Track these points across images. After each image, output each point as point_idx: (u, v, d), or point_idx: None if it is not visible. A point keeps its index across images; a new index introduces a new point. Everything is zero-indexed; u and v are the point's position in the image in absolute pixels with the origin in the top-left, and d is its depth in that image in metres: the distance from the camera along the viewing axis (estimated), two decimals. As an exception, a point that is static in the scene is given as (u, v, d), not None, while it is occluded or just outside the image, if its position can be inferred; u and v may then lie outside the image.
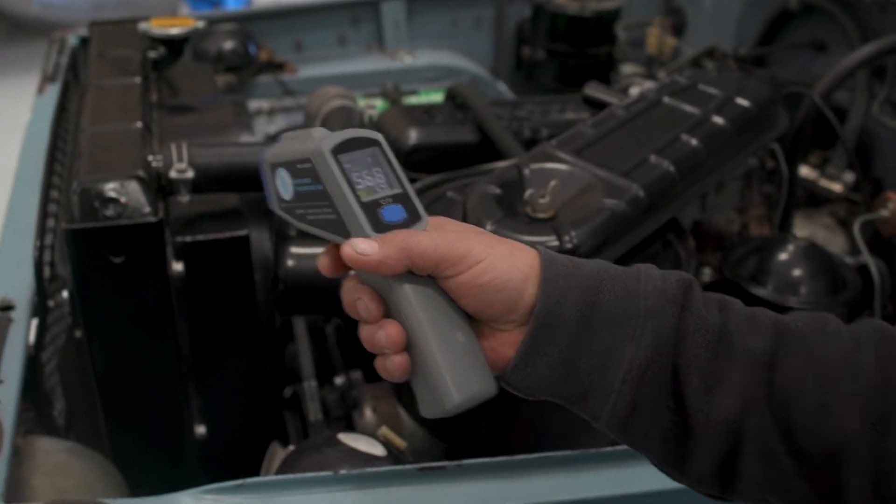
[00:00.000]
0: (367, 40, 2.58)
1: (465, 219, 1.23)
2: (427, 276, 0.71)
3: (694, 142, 1.33)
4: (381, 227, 0.70)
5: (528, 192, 1.21)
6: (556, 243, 1.16)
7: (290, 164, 0.73)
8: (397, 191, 0.72)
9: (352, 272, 0.73)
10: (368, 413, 1.51)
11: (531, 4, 2.56)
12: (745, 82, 1.48)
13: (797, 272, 1.42)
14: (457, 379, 0.70)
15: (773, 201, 1.72)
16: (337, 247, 0.72)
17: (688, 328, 0.69)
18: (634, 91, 1.50)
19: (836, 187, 1.82)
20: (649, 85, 1.51)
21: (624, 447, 1.04)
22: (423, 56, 2.54)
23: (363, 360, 1.59)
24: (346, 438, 1.10)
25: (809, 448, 0.66)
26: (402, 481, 1.00)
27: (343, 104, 1.52)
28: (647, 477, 1.04)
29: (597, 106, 1.58)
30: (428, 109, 1.70)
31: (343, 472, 0.99)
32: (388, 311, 0.71)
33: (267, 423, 1.41)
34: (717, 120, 1.37)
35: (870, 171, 2.02)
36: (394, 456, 1.10)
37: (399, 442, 1.14)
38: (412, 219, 0.72)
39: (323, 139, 0.71)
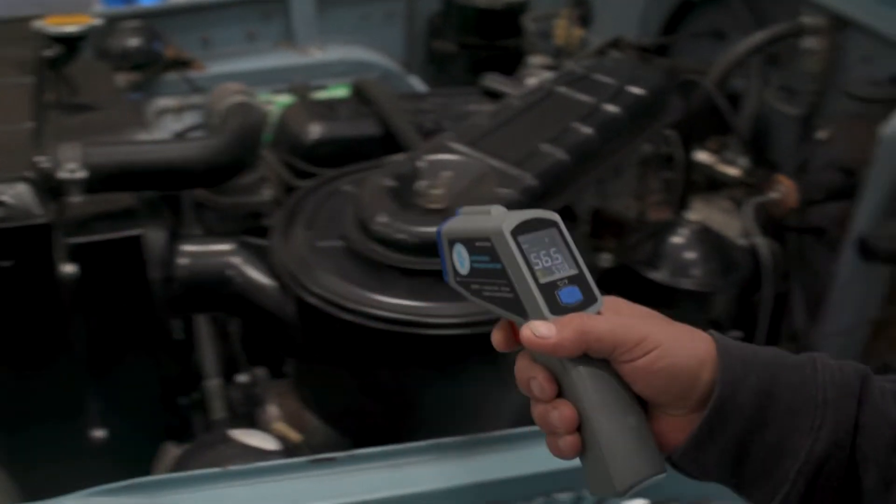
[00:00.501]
0: (277, 36, 2.56)
1: (358, 211, 1.24)
2: (602, 360, 0.72)
3: (587, 130, 1.35)
4: (557, 309, 0.72)
5: (422, 184, 1.22)
6: (447, 233, 1.17)
7: (469, 241, 0.75)
8: (574, 272, 0.73)
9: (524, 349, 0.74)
10: (273, 410, 1.50)
11: (442, -2, 2.58)
12: (638, 71, 1.51)
13: (690, 255, 1.45)
14: (627, 463, 0.71)
15: (673, 187, 1.76)
16: (510, 323, 0.73)
17: (867, 422, 0.68)
18: (531, 82, 1.52)
19: (734, 172, 1.86)
20: (546, 75, 1.54)
21: (520, 429, 1.07)
22: (333, 51, 2.53)
23: (267, 357, 1.59)
24: (239, 435, 1.10)
25: None
26: (293, 474, 1.00)
27: (242, 100, 1.51)
28: (539, 458, 1.07)
29: (496, 97, 1.60)
30: (331, 104, 1.71)
31: (232, 467, 0.99)
32: (562, 391, 0.72)
33: (169, 424, 1.40)
34: (610, 108, 1.40)
35: (766, 154, 2.08)
36: (288, 450, 1.11)
37: (294, 436, 1.15)
38: (588, 301, 0.73)
39: (504, 219, 0.72)
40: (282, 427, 1.14)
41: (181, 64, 2.34)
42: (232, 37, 2.49)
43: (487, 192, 1.23)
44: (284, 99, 1.89)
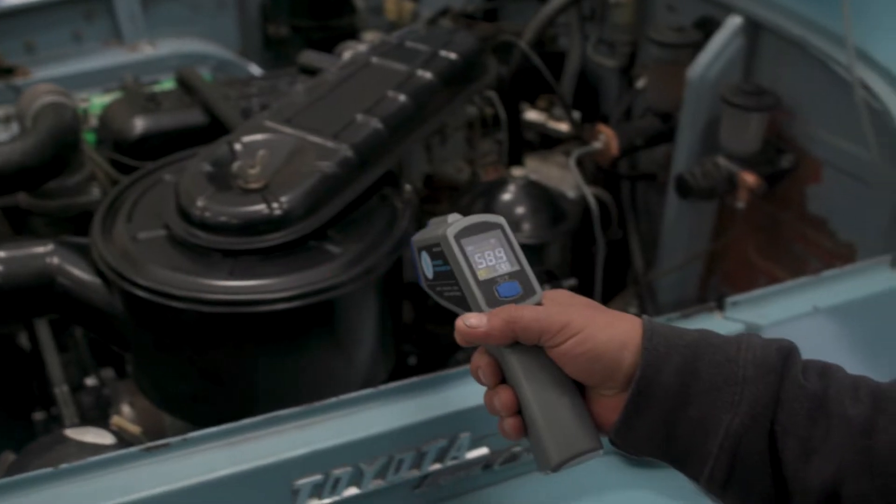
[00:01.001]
0: (105, 35, 2.49)
1: (178, 199, 1.23)
2: (536, 347, 0.78)
3: (401, 97, 1.38)
4: (495, 302, 0.80)
5: (237, 164, 1.22)
6: (266, 211, 1.18)
7: (429, 248, 0.85)
8: (515, 269, 0.81)
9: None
10: (126, 409, 1.49)
11: (272, -19, 2.56)
12: (450, 36, 1.54)
13: (520, 210, 1.50)
14: (562, 440, 0.78)
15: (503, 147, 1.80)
16: None
17: (786, 395, 0.72)
18: (347, 56, 1.54)
19: (564, 127, 1.93)
20: (361, 48, 1.55)
21: (349, 396, 1.09)
22: (165, 45, 2.48)
23: (114, 358, 1.57)
24: (74, 433, 1.09)
25: None
26: (126, 465, 1.00)
27: (54, 100, 1.48)
28: (377, 420, 1.09)
29: (314, 74, 1.61)
30: (153, 96, 1.68)
31: (64, 465, 0.98)
32: (504, 378, 0.80)
33: (21, 440, 1.37)
34: (424, 74, 1.43)
35: (598, 108, 2.15)
36: (125, 443, 1.10)
37: (133, 428, 1.14)
38: (527, 294, 0.81)
39: (450, 225, 0.82)
40: (119, 421, 1.13)
41: (5, 71, 2.25)
42: (57, 39, 2.41)
43: (305, 167, 1.24)
44: (104, 97, 1.85)
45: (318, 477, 1.05)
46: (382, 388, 1.11)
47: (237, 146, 1.29)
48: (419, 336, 1.75)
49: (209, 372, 1.22)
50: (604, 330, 0.77)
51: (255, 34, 2.71)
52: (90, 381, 1.52)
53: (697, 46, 1.64)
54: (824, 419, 0.71)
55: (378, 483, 1.10)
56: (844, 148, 1.51)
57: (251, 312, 1.15)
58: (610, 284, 1.81)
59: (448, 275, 0.84)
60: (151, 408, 1.43)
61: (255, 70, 2.52)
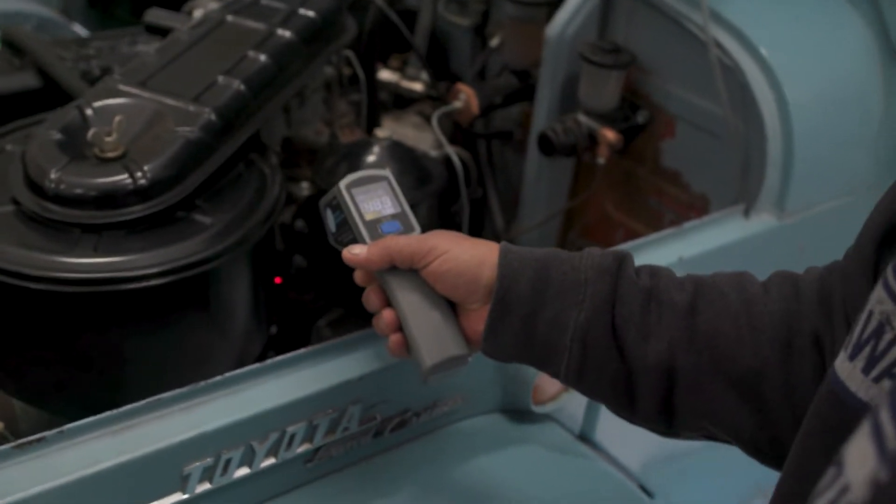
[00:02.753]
0: None
1: (26, 170, 1.13)
2: (411, 271, 0.92)
3: (262, 58, 1.31)
4: (378, 237, 0.95)
5: (92, 132, 1.13)
6: (129, 181, 1.10)
7: (330, 203, 0.99)
8: (397, 211, 0.98)
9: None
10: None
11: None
12: (306, -7, 1.48)
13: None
14: (433, 346, 0.91)
15: (361, 108, 1.76)
16: None
17: (622, 291, 0.84)
18: (198, 14, 1.45)
19: (417, 87, 1.91)
20: (213, 5, 1.47)
21: (235, 373, 1.05)
22: (-23, 3, 2.28)
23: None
24: (-74, 434, 0.98)
25: (732, 375, 0.81)
26: (-3, 463, 0.92)
27: None
28: (264, 397, 1.05)
29: (164, 33, 1.51)
30: (-24, 59, 1.53)
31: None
32: (388, 302, 0.94)
33: None
34: (283, 33, 1.36)
35: (448, 67, 2.14)
36: (-12, 439, 1.01)
37: (-6, 423, 1.05)
38: (406, 231, 0.97)
39: (344, 179, 0.97)
40: (-24, 418, 1.04)
41: None
42: None
43: (165, 132, 1.16)
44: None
45: (208, 460, 1.00)
46: (269, 362, 1.07)
47: (89, 112, 1.19)
48: (281, 304, 1.70)
49: (75, 357, 1.13)
50: (466, 251, 0.90)
51: (79, -8, 2.53)
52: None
53: (553, 5, 1.66)
54: (656, 307, 0.84)
55: (270, 461, 1.07)
56: (697, 103, 1.56)
57: (119, 290, 1.07)
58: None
59: (344, 223, 0.97)
60: (7, 401, 1.32)
61: (80, 30, 2.35)
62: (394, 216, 0.97)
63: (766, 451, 0.82)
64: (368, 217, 0.96)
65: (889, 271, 0.60)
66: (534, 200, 1.79)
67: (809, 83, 1.48)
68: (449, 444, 1.24)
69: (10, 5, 2.30)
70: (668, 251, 1.37)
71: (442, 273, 0.89)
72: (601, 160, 1.57)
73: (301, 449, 1.08)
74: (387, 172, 1.00)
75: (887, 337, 0.59)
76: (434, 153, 1.66)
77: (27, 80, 1.52)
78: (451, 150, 1.62)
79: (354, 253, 0.93)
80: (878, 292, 0.61)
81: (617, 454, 1.35)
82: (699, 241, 1.42)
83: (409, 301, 0.92)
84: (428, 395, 1.18)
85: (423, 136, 1.88)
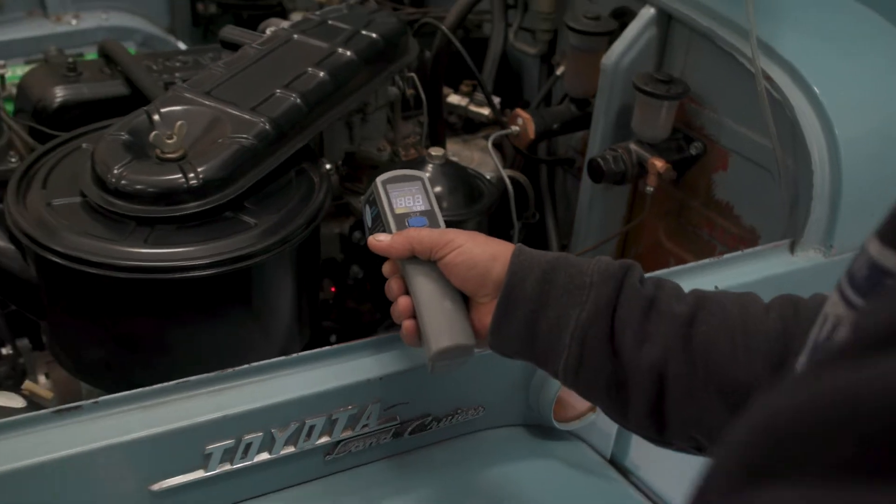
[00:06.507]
0: (28, 5, 2.46)
1: (94, 166, 1.23)
2: (430, 262, 0.97)
3: (321, 74, 1.40)
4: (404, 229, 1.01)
5: (153, 134, 1.23)
6: (182, 181, 1.20)
7: (368, 200, 1.07)
8: (426, 209, 1.04)
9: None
10: (42, 379, 1.49)
11: (198, -41, 2.54)
12: (372, 16, 1.56)
13: (437, 188, 1.53)
14: (441, 333, 0.96)
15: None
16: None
17: (625, 297, 0.87)
18: (270, 32, 1.55)
19: (485, 111, 1.97)
20: (283, 25, 1.57)
21: (261, 363, 1.11)
22: (91, 19, 2.46)
23: (30, 328, 1.56)
24: (-18, 397, 1.09)
25: (723, 388, 0.83)
26: (37, 427, 1.01)
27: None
28: (290, 386, 1.12)
29: (237, 49, 1.61)
30: (74, 66, 1.67)
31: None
32: (406, 290, 1.00)
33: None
34: (344, 52, 1.45)
35: (521, 94, 2.20)
36: (37, 407, 1.11)
37: (45, 393, 1.15)
38: (431, 226, 1.02)
39: (381, 175, 1.06)
40: (31, 386, 1.14)
41: (-80, 41, 2.21)
42: (-22, 8, 2.37)
43: (222, 138, 1.26)
44: (25, 68, 1.83)
45: (229, 442, 1.07)
46: (294, 356, 1.14)
47: (155, 116, 1.29)
48: (340, 313, 1.78)
49: (123, 339, 1.23)
50: (480, 245, 0.95)
51: (185, 11, 2.69)
52: (5, 351, 1.52)
53: (613, 35, 1.69)
54: (655, 315, 0.86)
55: (290, 449, 1.12)
56: (749, 137, 1.57)
57: (166, 279, 1.16)
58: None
59: (378, 217, 1.04)
60: (68, 378, 1.43)
61: (182, 47, 2.51)
62: (422, 213, 1.03)
63: None
64: (399, 211, 1.02)
65: (843, 275, 0.63)
66: (587, 226, 1.83)
67: (860, 119, 1.47)
68: (469, 451, 1.28)
69: (118, 21, 2.48)
70: (705, 279, 1.39)
71: (456, 264, 0.94)
72: (650, 189, 1.59)
73: (320, 441, 1.14)
74: (422, 174, 1.07)
75: None
76: (490, 175, 1.71)
77: (115, 87, 1.65)
78: (504, 172, 1.67)
79: (379, 240, 1.00)
80: (833, 296, 0.63)
81: (652, 481, 1.35)
82: (738, 273, 1.43)
83: (424, 289, 0.97)
84: (449, 401, 1.23)
85: (487, 160, 1.94)
